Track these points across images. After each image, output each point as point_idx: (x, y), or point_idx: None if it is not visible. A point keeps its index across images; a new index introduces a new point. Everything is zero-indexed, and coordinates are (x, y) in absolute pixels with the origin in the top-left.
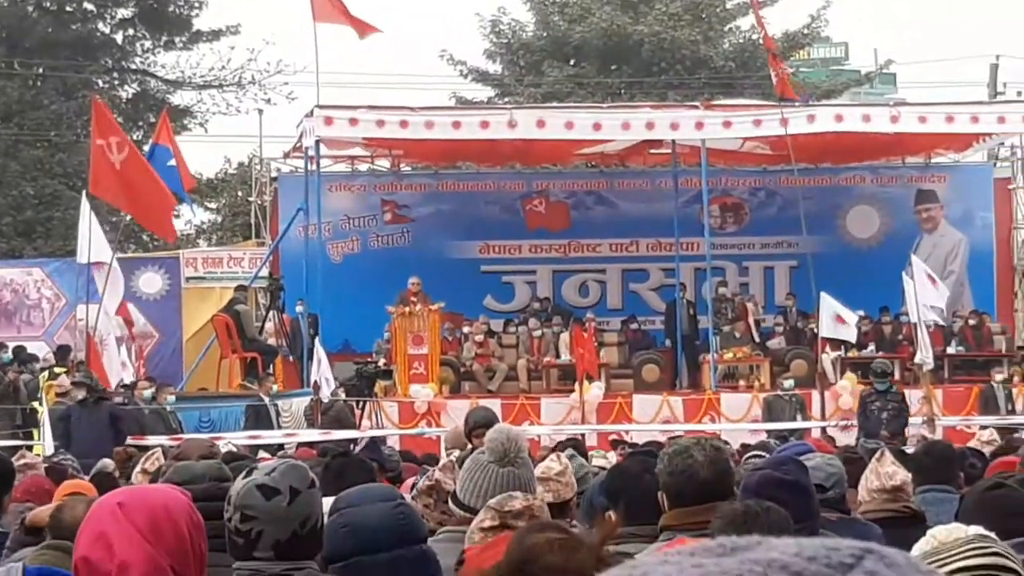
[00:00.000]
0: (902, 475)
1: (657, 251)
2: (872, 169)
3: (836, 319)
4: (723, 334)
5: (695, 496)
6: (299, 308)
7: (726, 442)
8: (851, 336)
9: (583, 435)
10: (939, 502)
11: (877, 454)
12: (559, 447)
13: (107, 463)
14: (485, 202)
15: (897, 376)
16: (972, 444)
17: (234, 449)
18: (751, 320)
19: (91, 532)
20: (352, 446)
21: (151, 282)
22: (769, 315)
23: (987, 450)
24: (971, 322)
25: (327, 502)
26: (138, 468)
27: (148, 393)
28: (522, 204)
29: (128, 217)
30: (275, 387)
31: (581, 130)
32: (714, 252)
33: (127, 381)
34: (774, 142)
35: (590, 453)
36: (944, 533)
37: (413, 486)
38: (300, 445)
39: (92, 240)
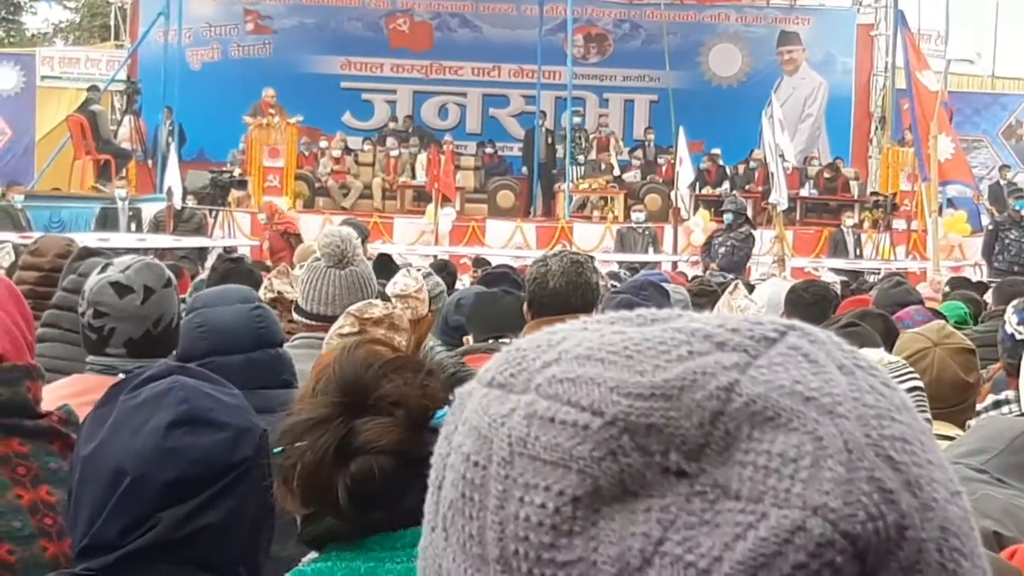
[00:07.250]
0: (754, 309)
1: (519, 78)
2: (737, 8)
3: (680, 160)
4: (586, 164)
5: (550, 305)
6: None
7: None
8: (686, 179)
9: (435, 256)
10: None
11: (730, 287)
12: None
13: None
14: (349, 18)
15: (749, 215)
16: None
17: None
18: (613, 152)
19: None
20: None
21: (5, 78)
22: (627, 148)
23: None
24: (826, 174)
25: None
26: None
27: None
28: (386, 22)
29: None
30: (122, 191)
31: None
32: (576, 82)
33: None
34: None
35: None
36: None
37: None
38: (150, 250)
39: None
